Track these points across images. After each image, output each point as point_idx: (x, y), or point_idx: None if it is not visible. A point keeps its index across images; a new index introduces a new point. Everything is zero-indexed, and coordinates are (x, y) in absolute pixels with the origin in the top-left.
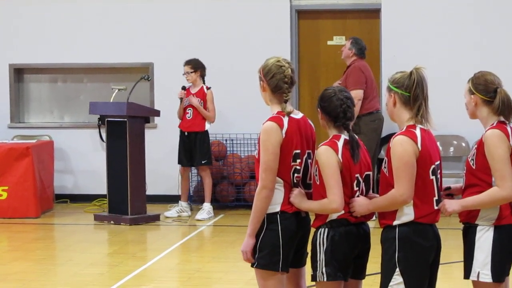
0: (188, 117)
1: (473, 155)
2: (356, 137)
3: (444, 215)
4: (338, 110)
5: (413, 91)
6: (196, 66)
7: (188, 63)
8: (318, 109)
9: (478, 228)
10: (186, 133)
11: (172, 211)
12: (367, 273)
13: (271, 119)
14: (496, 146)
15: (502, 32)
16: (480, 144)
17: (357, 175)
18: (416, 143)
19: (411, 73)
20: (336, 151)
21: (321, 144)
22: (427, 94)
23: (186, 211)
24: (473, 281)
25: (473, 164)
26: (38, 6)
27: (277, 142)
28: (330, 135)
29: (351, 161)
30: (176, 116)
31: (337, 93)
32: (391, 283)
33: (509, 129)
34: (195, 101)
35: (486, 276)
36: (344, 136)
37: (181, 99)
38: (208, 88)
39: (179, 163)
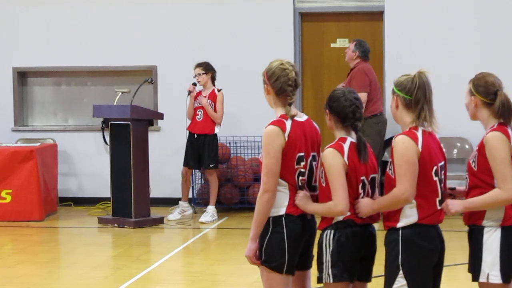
0: (198, 119)
1: (475, 156)
2: (364, 138)
3: (447, 215)
4: (347, 110)
5: (414, 95)
6: (207, 68)
7: (199, 65)
8: (326, 110)
9: (485, 229)
10: (195, 135)
11: (174, 214)
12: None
13: (273, 122)
14: (497, 148)
15: (505, 33)
16: (481, 146)
17: (363, 177)
18: (417, 144)
19: (414, 76)
20: (342, 153)
21: (327, 146)
22: (430, 97)
23: (188, 210)
24: (482, 283)
25: (474, 166)
26: (41, 9)
27: (279, 146)
28: (336, 137)
29: (357, 164)
30: (180, 119)
31: (346, 94)
32: (394, 286)
33: (510, 130)
34: (205, 101)
35: (495, 277)
36: (350, 139)
37: (190, 92)
38: (219, 90)
39: (185, 165)
